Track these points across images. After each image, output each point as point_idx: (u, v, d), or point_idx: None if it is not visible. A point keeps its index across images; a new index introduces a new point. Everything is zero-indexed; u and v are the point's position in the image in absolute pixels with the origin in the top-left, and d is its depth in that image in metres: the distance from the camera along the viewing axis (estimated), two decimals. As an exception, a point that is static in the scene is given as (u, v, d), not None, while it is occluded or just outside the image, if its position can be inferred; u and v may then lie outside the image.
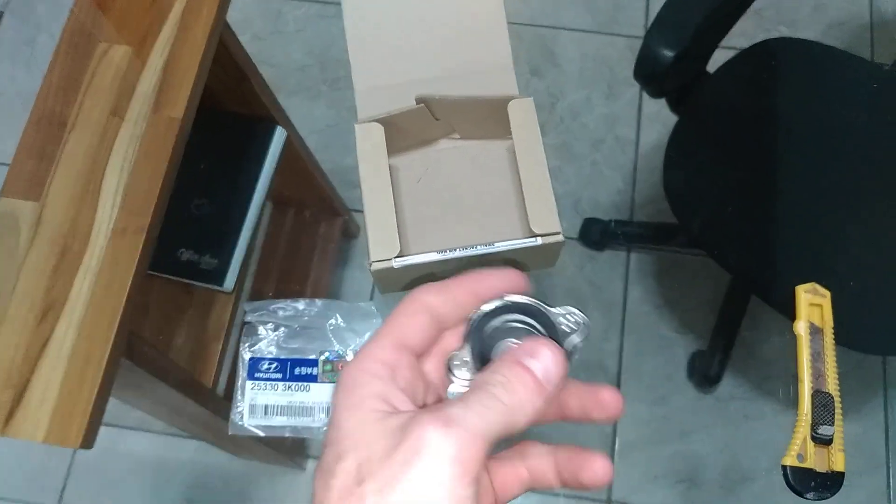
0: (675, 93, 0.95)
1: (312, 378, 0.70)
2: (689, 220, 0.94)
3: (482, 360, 0.31)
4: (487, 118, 0.64)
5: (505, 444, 0.29)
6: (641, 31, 1.46)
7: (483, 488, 0.30)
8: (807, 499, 0.61)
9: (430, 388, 0.31)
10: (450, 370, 0.31)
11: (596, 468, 0.30)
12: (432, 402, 0.31)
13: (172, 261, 0.80)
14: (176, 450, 1.21)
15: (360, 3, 0.68)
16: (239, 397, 0.70)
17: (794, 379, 0.65)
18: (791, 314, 0.69)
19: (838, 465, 0.62)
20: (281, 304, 0.70)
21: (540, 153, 0.61)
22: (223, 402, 0.78)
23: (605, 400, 0.31)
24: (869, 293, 0.88)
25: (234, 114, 0.84)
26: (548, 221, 0.57)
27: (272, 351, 0.70)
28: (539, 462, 0.31)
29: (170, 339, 0.83)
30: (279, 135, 0.86)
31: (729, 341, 1.20)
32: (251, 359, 0.70)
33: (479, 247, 0.57)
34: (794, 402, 0.64)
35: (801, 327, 0.67)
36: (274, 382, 0.69)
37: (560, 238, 0.57)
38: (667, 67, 0.82)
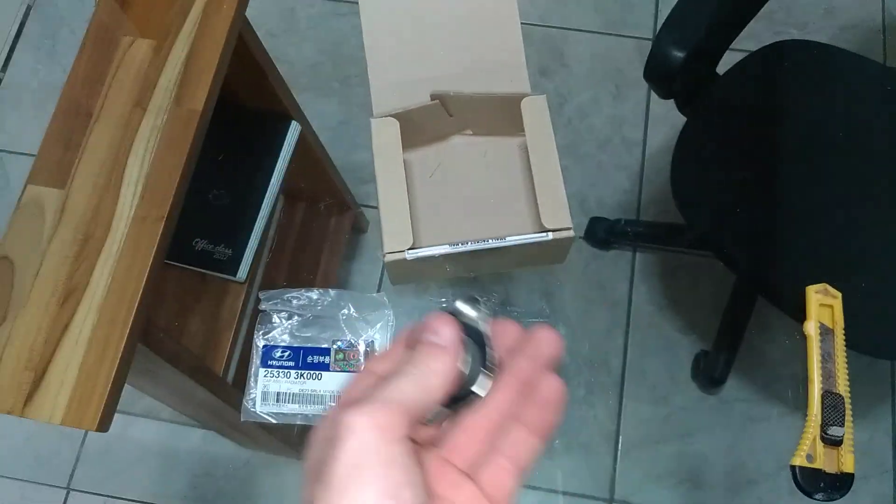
0: (685, 94, 0.95)
1: (324, 367, 0.71)
2: (697, 221, 0.94)
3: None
4: (500, 115, 0.65)
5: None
6: (650, 32, 1.47)
7: (427, 476, 0.29)
8: (815, 499, 0.60)
9: None
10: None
11: (550, 390, 0.30)
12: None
13: (188, 250, 0.82)
14: (182, 438, 1.23)
15: (377, 1, 0.69)
16: (252, 384, 0.71)
17: (802, 381, 0.65)
18: (800, 316, 0.69)
19: (848, 466, 0.61)
20: (295, 293, 0.71)
21: (552, 150, 0.62)
22: (232, 390, 0.79)
23: (540, 339, 0.31)
24: (880, 296, 0.87)
25: (251, 108, 0.85)
26: (559, 217, 0.58)
27: (285, 339, 0.71)
28: (512, 441, 0.30)
29: (183, 327, 0.84)
30: (294, 129, 0.87)
31: (734, 342, 1.19)
32: (265, 346, 0.71)
33: (490, 240, 0.58)
34: (801, 404, 0.64)
35: (811, 327, 0.66)
36: (287, 370, 0.71)
37: (570, 233, 0.58)
38: (677, 68, 0.82)
